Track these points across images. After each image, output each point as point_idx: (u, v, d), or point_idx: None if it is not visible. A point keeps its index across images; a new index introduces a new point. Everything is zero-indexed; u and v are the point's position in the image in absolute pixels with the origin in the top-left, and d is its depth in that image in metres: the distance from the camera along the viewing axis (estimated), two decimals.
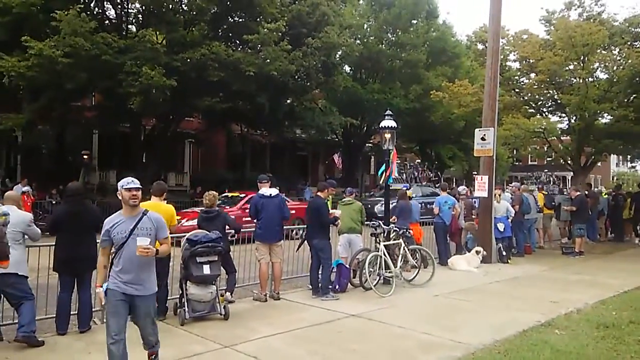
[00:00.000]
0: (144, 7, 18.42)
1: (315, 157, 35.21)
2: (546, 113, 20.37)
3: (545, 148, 22.40)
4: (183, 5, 18.48)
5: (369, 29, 29.67)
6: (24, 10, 15.25)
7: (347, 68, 29.48)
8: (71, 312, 5.64)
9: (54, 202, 16.24)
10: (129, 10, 19.49)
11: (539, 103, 19.94)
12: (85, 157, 24.27)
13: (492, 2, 11.62)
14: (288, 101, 22.84)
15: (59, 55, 14.68)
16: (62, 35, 14.92)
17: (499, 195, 11.77)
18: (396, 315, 6.57)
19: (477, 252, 10.53)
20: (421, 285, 8.45)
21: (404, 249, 8.50)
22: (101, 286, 3.99)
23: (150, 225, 4.04)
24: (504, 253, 11.25)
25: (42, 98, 17.26)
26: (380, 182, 10.58)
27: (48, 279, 5.87)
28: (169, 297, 6.39)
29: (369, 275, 7.78)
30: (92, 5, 18.88)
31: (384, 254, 8.03)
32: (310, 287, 7.76)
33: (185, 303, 6.03)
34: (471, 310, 7.00)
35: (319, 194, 8.12)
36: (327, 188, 8.16)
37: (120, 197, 4.05)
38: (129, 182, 4.05)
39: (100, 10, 19.25)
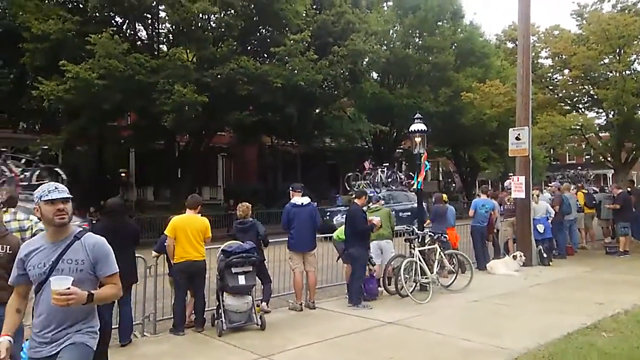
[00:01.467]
0: (174, 27, 18.95)
1: (346, 165, 35.15)
2: (582, 109, 19.77)
3: (584, 145, 21.72)
4: (211, 23, 18.90)
5: (394, 35, 29.54)
6: (60, 36, 15.91)
7: (374, 74, 29.35)
8: (112, 327, 5.76)
9: (93, 220, 16.75)
10: (160, 31, 20.08)
11: (575, 99, 19.37)
12: (123, 175, 25.01)
13: None
14: (316, 111, 22.96)
15: (94, 78, 15.22)
16: (97, 58, 15.48)
17: (537, 195, 11.47)
18: (434, 322, 6.45)
19: (515, 257, 10.26)
20: (459, 290, 8.27)
21: (439, 254, 8.35)
22: (8, 335, 2.73)
23: (83, 256, 2.77)
24: (545, 255, 10.91)
25: (80, 119, 17.93)
26: (414, 186, 10.42)
27: None
28: (206, 309, 6.47)
29: (405, 282, 7.67)
30: (124, 27, 19.55)
31: (419, 260, 7.91)
32: (347, 295, 7.71)
33: (222, 314, 6.09)
34: (512, 314, 6.81)
35: (355, 201, 7.88)
36: (365, 195, 8.01)
37: (39, 215, 2.79)
38: (51, 189, 2.71)
39: (132, 32, 19.90)
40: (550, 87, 18.88)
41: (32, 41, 16.20)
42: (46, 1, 18.52)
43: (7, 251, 3.87)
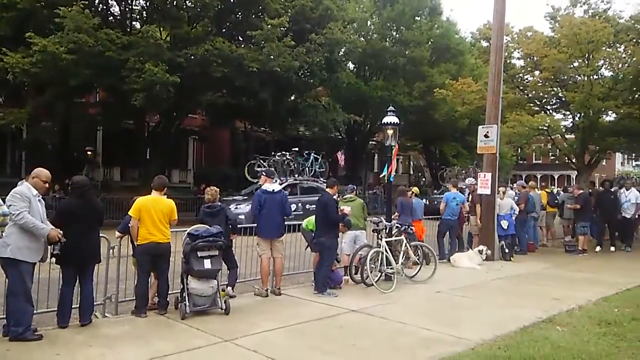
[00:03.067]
0: (148, 4, 18.49)
1: (319, 155, 35.17)
2: (550, 111, 20.26)
3: (550, 146, 22.28)
4: (187, 2, 18.48)
5: (372, 26, 29.60)
6: (28, 6, 15.28)
7: (350, 65, 29.41)
8: (72, 306, 5.64)
9: (57, 196, 16.28)
10: (133, 7, 19.52)
11: (543, 100, 19.83)
12: (89, 153, 24.35)
13: None
14: (291, 98, 22.82)
15: (62, 52, 14.70)
16: (66, 32, 14.93)
17: (503, 192, 11.75)
18: (397, 311, 6.56)
19: (480, 251, 10.51)
20: (423, 281, 8.44)
21: (405, 245, 8.48)
22: None
23: None
24: (507, 250, 11.24)
25: (46, 94, 17.32)
26: (383, 178, 10.52)
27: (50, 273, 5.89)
28: (170, 292, 6.40)
29: (371, 272, 7.77)
30: (96, 2, 18.86)
31: (386, 250, 8.01)
32: (314, 283, 7.76)
33: (186, 297, 6.04)
34: (472, 306, 6.99)
35: (327, 190, 8.00)
36: (337, 184, 8.06)
37: None
38: None
39: (104, 7, 19.25)
40: (521, 88, 19.27)
41: None
42: None
43: None
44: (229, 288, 6.98)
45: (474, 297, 7.57)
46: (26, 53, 14.98)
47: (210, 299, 6.15)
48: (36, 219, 5.00)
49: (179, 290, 6.32)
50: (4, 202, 4.92)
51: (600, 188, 14.18)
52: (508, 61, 17.91)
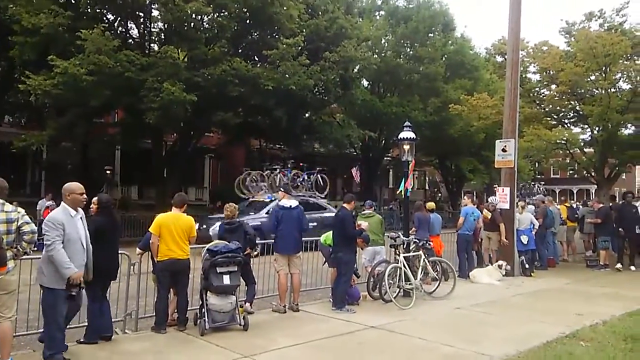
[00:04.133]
0: (166, 26, 18.85)
1: (333, 171, 35.25)
2: (568, 124, 20.12)
3: (568, 160, 22.04)
4: (204, 23, 18.85)
5: (386, 43, 29.82)
6: (51, 30, 15.73)
7: (365, 82, 29.60)
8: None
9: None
10: (152, 29, 19.98)
11: (561, 114, 19.72)
12: (107, 172, 24.76)
13: (511, 14, 11.60)
14: (306, 115, 22.99)
15: (83, 73, 15.05)
16: (87, 54, 15.31)
17: (522, 207, 11.62)
18: (417, 327, 6.49)
19: (500, 266, 10.38)
20: (442, 297, 8.34)
21: (424, 260, 8.42)
22: None
23: None
24: (527, 266, 11.07)
25: (67, 115, 17.72)
26: (399, 193, 10.48)
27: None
28: (189, 308, 6.43)
29: (389, 287, 7.71)
30: (115, 24, 19.41)
31: (404, 266, 7.96)
32: (331, 299, 7.72)
33: (206, 313, 6.06)
34: (493, 322, 6.88)
35: (345, 205, 7.90)
36: (354, 200, 8.02)
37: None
38: None
39: (123, 30, 19.75)
40: (537, 102, 19.19)
41: (21, 34, 15.95)
42: None
43: None
44: (247, 304, 6.98)
45: (495, 313, 7.46)
46: (48, 75, 15.38)
47: (229, 315, 6.16)
48: (74, 244, 4.86)
49: (198, 307, 6.34)
50: (32, 220, 4.98)
51: (622, 201, 13.87)
52: (524, 76, 17.90)
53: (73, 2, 17.89)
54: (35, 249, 5.05)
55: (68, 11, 16.36)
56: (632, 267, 12.06)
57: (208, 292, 6.13)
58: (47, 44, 16.02)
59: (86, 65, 15.19)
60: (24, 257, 4.82)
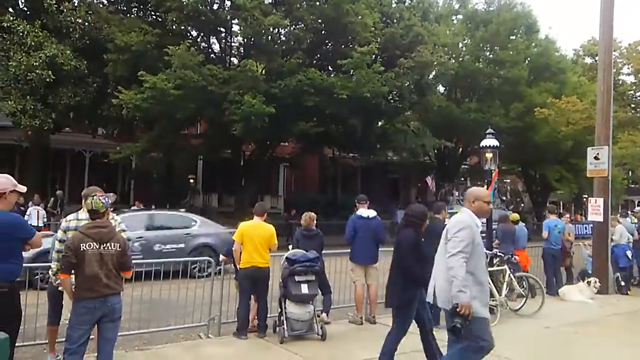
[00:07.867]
0: (245, 40, 19.57)
1: (407, 180, 34.68)
2: None
3: None
4: (282, 36, 19.36)
5: (464, 48, 28.91)
6: (141, 47, 16.86)
7: (441, 88, 28.86)
8: None
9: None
10: (232, 44, 20.83)
11: None
12: (191, 181, 25.99)
13: (602, 13, 10.82)
14: (380, 123, 22.80)
15: (170, 87, 15.96)
16: (174, 69, 16.24)
17: (617, 220, 10.75)
18: (502, 346, 6.06)
19: (589, 283, 9.63)
20: (529, 315, 7.85)
21: (509, 276, 7.98)
22: None
23: None
24: (623, 283, 10.18)
25: (155, 127, 18.84)
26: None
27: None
28: (268, 315, 6.53)
29: None
30: (199, 40, 20.44)
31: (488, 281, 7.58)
32: None
33: (285, 321, 6.13)
34: (588, 344, 6.38)
35: (436, 216, 7.34)
36: (444, 209, 7.67)
37: None
38: None
39: (206, 45, 20.76)
40: (632, 105, 17.79)
41: (115, 52, 17.23)
42: (129, 15, 19.77)
43: (117, 249, 4.05)
44: (324, 314, 6.96)
45: (589, 334, 6.91)
46: (138, 90, 16.44)
47: (307, 323, 6.19)
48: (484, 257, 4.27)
49: (277, 314, 6.43)
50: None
51: None
52: (616, 78, 16.64)
53: (160, 20, 19.10)
54: None
55: (156, 29, 17.47)
56: None
57: (287, 300, 6.21)
58: (137, 61, 17.13)
59: (173, 80, 16.09)
60: None
